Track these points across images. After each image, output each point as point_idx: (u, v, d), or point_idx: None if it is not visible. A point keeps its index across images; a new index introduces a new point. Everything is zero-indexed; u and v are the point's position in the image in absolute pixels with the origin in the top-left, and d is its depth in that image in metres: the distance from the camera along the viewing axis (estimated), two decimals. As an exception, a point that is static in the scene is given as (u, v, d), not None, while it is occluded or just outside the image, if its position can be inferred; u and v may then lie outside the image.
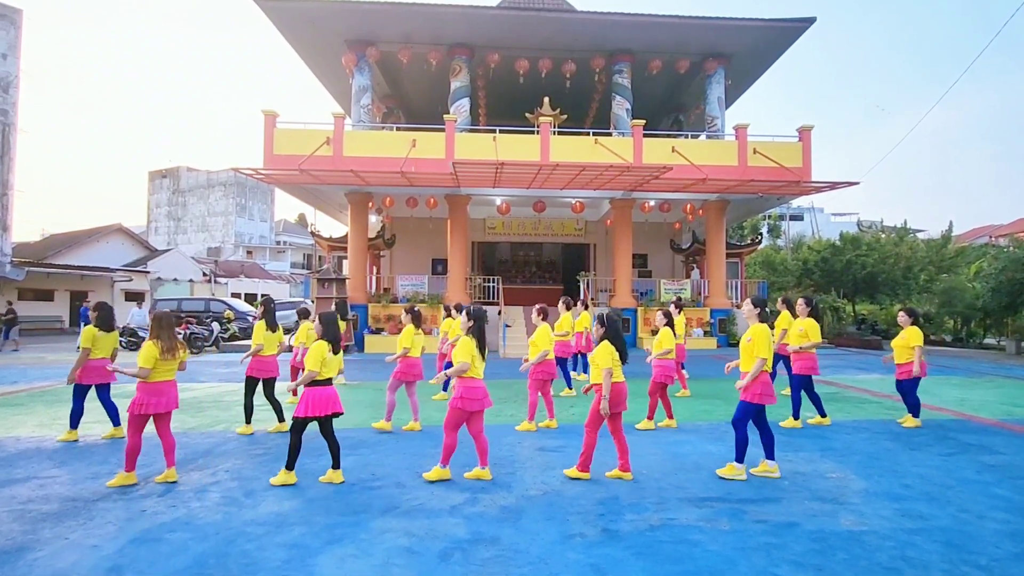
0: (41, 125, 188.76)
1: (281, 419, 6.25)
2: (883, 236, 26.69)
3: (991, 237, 36.85)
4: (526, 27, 16.60)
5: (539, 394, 6.52)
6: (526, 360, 6.56)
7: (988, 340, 20.00)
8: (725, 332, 17.40)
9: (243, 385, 6.29)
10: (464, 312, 4.79)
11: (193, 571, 3.08)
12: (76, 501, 4.12)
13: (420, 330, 6.69)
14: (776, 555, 3.28)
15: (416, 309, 6.86)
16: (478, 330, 4.63)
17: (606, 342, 4.54)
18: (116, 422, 5.93)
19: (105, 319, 5.78)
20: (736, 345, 16.37)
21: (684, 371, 8.82)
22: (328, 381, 4.52)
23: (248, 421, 6.21)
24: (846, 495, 4.29)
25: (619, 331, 4.65)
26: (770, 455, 4.70)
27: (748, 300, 4.84)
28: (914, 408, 6.60)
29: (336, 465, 4.57)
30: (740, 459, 4.63)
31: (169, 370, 4.62)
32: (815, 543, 3.44)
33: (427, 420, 6.54)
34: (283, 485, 4.41)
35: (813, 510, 3.98)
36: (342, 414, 4.59)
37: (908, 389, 6.59)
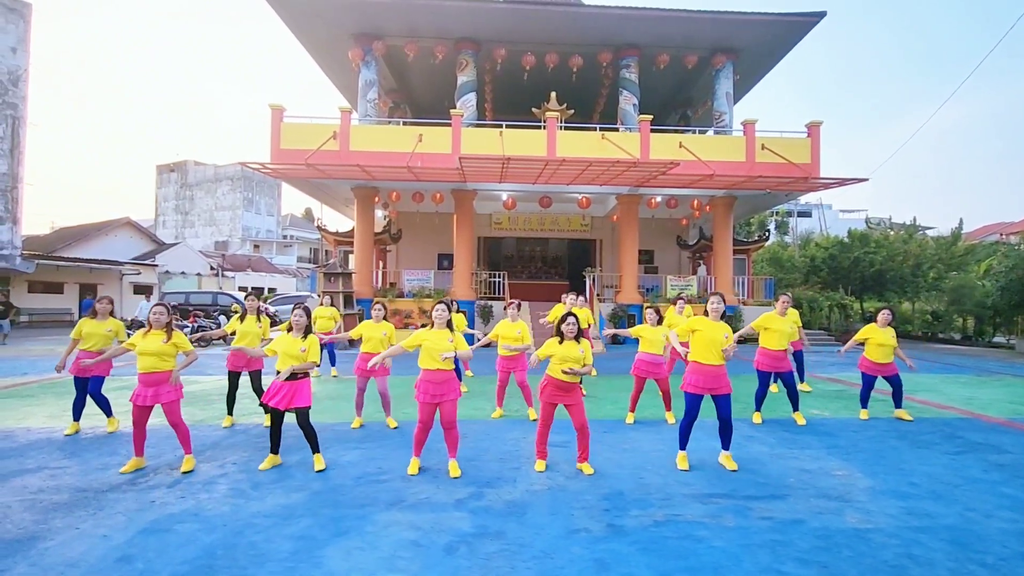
0: (50, 119, 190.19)
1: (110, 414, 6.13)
2: (892, 233, 26.43)
3: (1001, 235, 36.46)
4: (532, 21, 16.53)
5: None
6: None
7: (997, 339, 19.84)
8: (732, 328, 17.33)
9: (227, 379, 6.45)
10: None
11: (201, 562, 3.12)
12: (86, 491, 4.17)
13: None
14: (781, 552, 3.28)
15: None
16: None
17: None
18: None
19: None
20: (741, 343, 16.41)
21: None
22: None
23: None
24: (852, 493, 4.28)
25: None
26: None
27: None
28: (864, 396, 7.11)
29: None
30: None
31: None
32: (820, 540, 3.44)
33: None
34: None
35: (819, 507, 3.98)
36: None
37: None
